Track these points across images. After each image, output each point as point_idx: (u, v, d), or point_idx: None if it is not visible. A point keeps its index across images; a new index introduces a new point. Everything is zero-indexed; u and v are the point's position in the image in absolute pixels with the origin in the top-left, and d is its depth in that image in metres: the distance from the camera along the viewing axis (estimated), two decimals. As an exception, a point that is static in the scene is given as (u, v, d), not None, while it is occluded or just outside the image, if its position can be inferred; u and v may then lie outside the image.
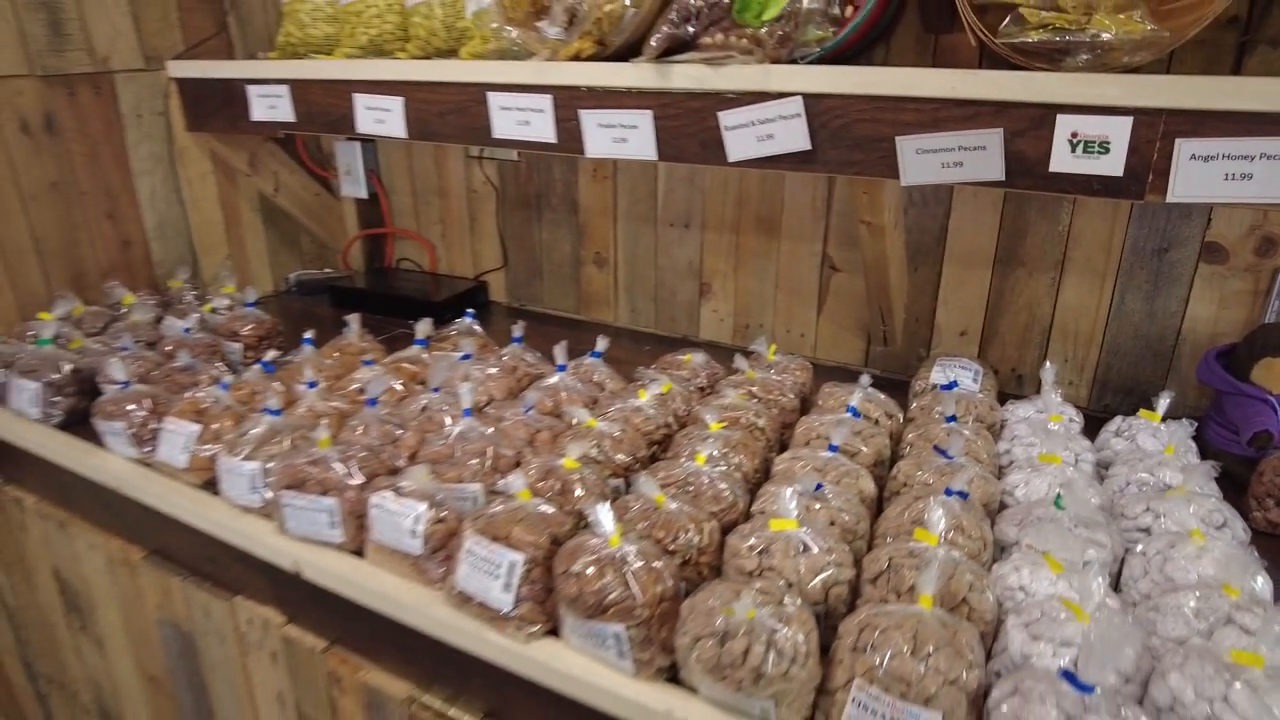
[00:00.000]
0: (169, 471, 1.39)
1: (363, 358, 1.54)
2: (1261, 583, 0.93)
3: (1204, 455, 1.37)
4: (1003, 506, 1.16)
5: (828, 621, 0.94)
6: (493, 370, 1.47)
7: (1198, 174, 1.06)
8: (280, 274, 2.40)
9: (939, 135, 1.16)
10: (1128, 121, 1.07)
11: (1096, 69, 1.13)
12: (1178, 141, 1.05)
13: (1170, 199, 1.08)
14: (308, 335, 1.57)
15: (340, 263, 2.43)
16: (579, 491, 1.09)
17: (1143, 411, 1.31)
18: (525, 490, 1.05)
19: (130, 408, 1.43)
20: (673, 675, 0.95)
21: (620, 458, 1.20)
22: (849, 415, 1.26)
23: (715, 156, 1.34)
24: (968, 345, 1.70)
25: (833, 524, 1.03)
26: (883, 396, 1.36)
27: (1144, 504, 1.09)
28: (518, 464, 1.20)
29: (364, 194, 2.29)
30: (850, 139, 1.23)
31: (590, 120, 1.43)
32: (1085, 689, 0.77)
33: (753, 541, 0.98)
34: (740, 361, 1.46)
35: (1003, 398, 1.48)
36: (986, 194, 1.59)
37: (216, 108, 1.94)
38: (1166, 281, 1.52)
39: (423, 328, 1.58)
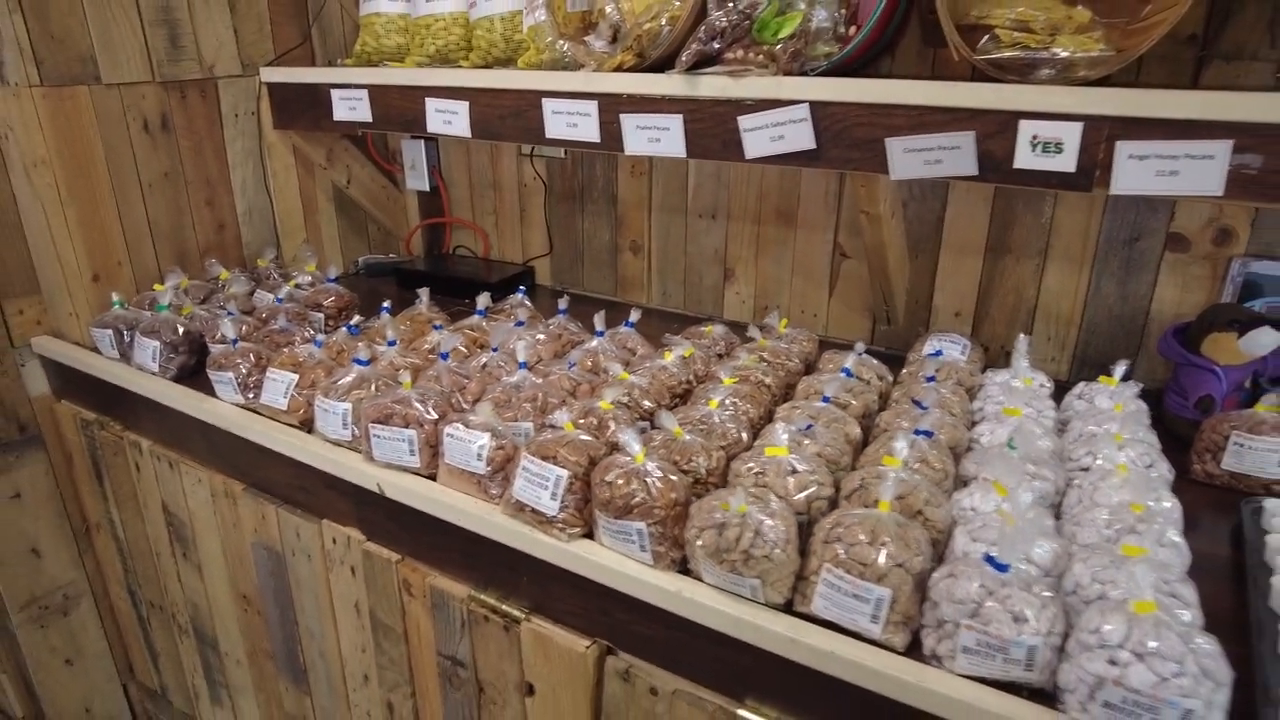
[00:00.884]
0: (270, 414, 1.66)
1: (433, 323, 1.79)
2: (1166, 504, 1.14)
3: (1164, 420, 1.57)
4: (970, 452, 1.37)
5: (810, 529, 1.17)
6: (541, 336, 1.72)
7: (1134, 171, 1.26)
8: (350, 258, 2.68)
9: (922, 137, 1.37)
10: (1078, 126, 1.27)
11: (1060, 82, 1.33)
12: (1118, 143, 1.25)
13: (1113, 191, 1.28)
14: (385, 304, 1.84)
15: (403, 248, 2.70)
16: (612, 426, 1.33)
17: (1102, 378, 1.51)
18: (569, 423, 1.30)
19: (238, 361, 1.70)
20: (684, 568, 1.19)
21: (647, 404, 1.44)
22: (842, 375, 1.48)
23: (735, 154, 1.56)
24: (962, 325, 1.91)
25: (819, 455, 1.26)
26: (875, 362, 1.58)
27: (1086, 448, 1.30)
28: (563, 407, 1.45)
29: (426, 187, 2.56)
30: (849, 140, 1.45)
31: (630, 123, 1.66)
32: (1002, 568, 0.98)
33: (751, 465, 1.21)
34: (754, 332, 1.69)
35: (992, 372, 1.68)
36: (978, 189, 1.80)
37: (302, 109, 2.22)
38: (1137, 268, 1.71)
39: (483, 300, 1.84)
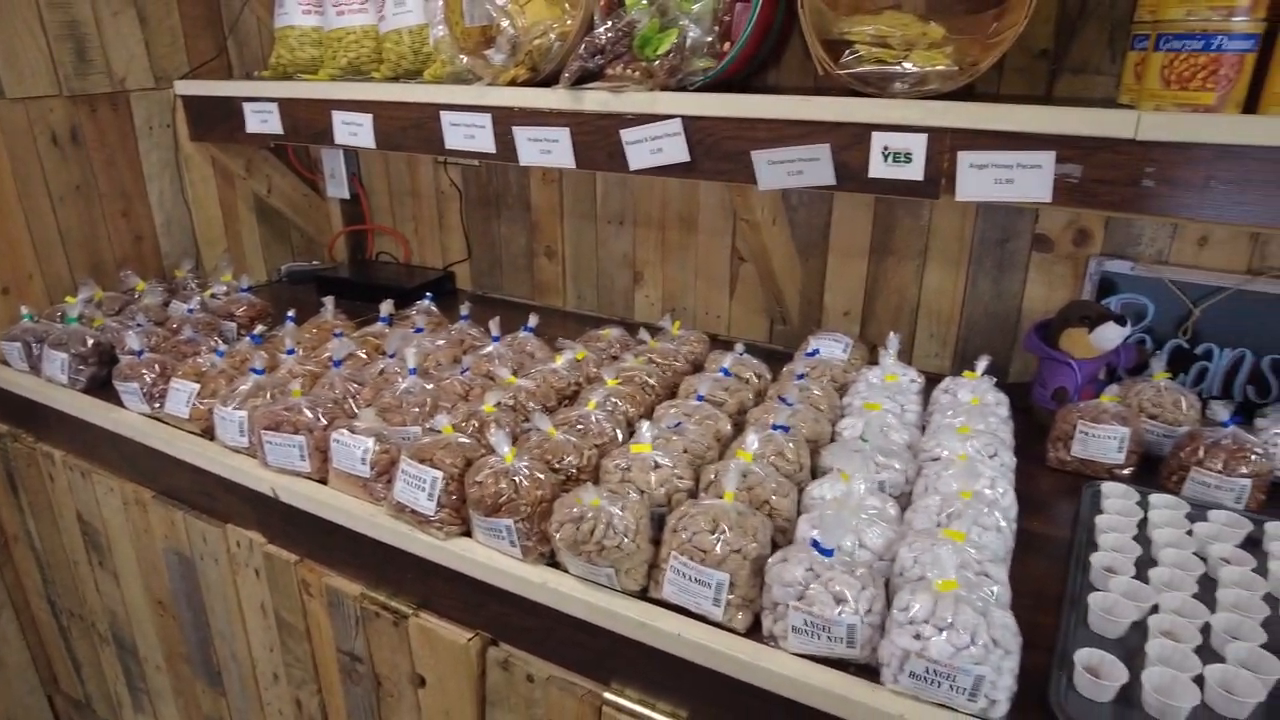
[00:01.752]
0: (174, 422, 1.69)
1: (334, 331, 1.84)
2: (999, 491, 1.22)
3: (1033, 411, 1.67)
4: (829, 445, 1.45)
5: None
6: (440, 342, 1.78)
7: (976, 179, 1.35)
8: (273, 265, 2.71)
9: (782, 150, 1.45)
10: (924, 138, 1.36)
11: (913, 95, 1.42)
12: (959, 153, 1.34)
13: (958, 198, 1.36)
14: (290, 314, 1.88)
15: (326, 255, 2.74)
16: (494, 429, 1.39)
17: (966, 372, 1.60)
18: (448, 426, 1.36)
19: (143, 371, 1.73)
20: (552, 561, 1.26)
21: (532, 406, 1.50)
22: (720, 374, 1.56)
23: (620, 165, 1.62)
24: (851, 324, 2.00)
25: (685, 451, 1.33)
26: (755, 361, 1.66)
27: (936, 440, 1.38)
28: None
29: (347, 195, 2.60)
30: (720, 152, 1.52)
31: (522, 135, 1.72)
32: (826, 553, 1.06)
33: (619, 461, 1.28)
34: (645, 335, 1.76)
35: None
36: (860, 196, 1.88)
37: (216, 121, 2.25)
38: (1008, 267, 1.81)
39: (385, 307, 1.89)
